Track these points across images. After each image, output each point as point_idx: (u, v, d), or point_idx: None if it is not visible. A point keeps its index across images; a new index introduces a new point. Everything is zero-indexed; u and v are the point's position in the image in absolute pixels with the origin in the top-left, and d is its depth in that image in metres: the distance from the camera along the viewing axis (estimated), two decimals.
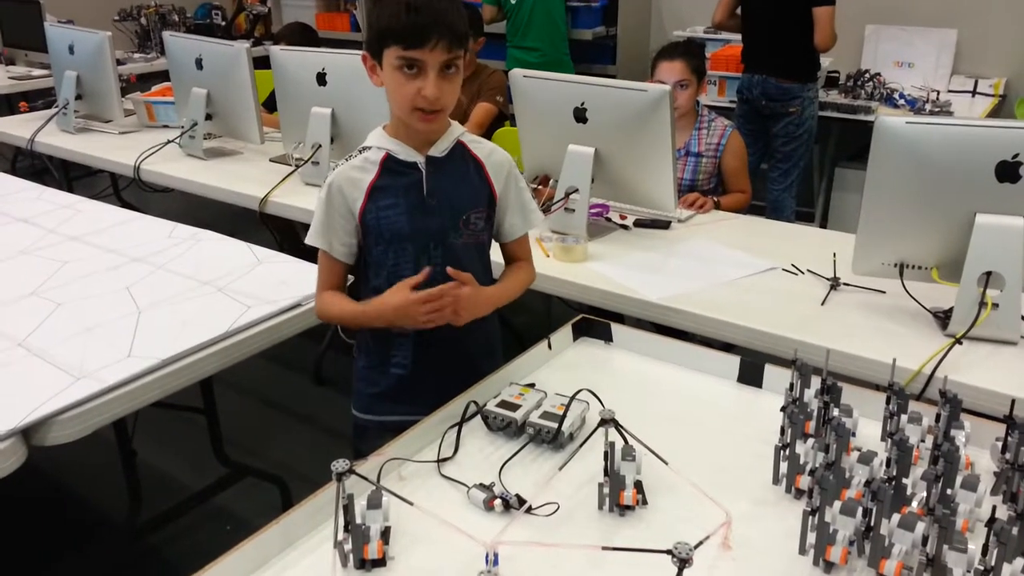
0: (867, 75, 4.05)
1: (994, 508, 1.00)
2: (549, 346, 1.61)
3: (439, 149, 1.49)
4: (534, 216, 1.61)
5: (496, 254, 1.62)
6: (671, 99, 2.02)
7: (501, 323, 1.69)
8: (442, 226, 1.49)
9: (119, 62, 3.93)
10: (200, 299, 1.83)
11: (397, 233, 1.48)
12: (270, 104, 3.21)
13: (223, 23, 5.52)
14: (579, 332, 1.68)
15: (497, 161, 1.54)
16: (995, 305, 1.59)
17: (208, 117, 3.01)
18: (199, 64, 2.96)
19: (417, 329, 1.49)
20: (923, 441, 1.24)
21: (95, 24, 3.50)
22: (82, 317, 1.74)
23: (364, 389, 1.62)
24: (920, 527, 1.00)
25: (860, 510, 1.03)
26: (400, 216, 1.47)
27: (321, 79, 2.60)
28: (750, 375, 1.49)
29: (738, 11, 3.73)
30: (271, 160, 2.99)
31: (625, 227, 2.31)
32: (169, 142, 3.08)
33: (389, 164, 1.48)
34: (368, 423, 1.63)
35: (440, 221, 1.48)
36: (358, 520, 1.06)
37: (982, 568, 0.96)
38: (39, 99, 4.03)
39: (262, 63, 2.90)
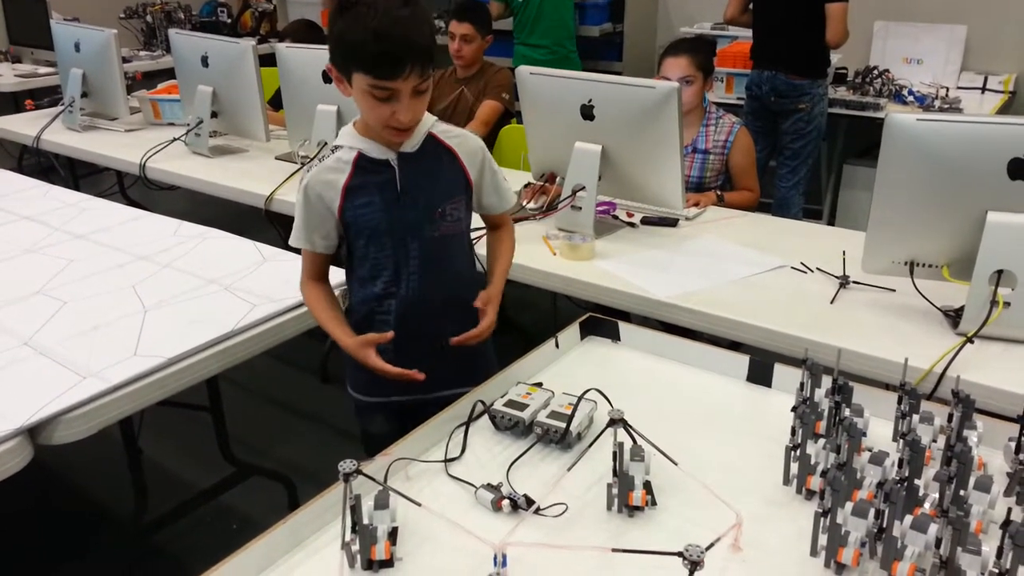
0: (876, 72, 4.02)
1: (1009, 510, 0.99)
2: (556, 345, 1.60)
3: (410, 145, 1.49)
4: (509, 195, 1.64)
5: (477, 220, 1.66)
6: (679, 96, 2.01)
7: (507, 321, 1.68)
8: (417, 220, 1.50)
9: (125, 60, 3.93)
10: (206, 297, 1.82)
11: (374, 229, 1.50)
12: (276, 102, 3.20)
13: (229, 20, 5.51)
14: (586, 331, 1.67)
15: (470, 149, 1.55)
16: (1007, 303, 1.57)
17: (214, 115, 3.00)
18: (205, 62, 2.96)
19: (397, 313, 1.56)
20: (935, 441, 1.23)
21: (101, 22, 3.50)
22: (88, 316, 1.74)
23: (356, 371, 1.62)
24: (933, 529, 0.99)
25: (872, 511, 1.02)
26: (376, 213, 1.49)
27: (327, 77, 2.59)
28: (759, 374, 1.48)
29: (750, 7, 3.72)
30: (277, 158, 2.98)
31: (632, 225, 2.30)
32: (175, 140, 3.08)
33: (362, 163, 1.48)
34: (367, 404, 1.68)
35: (415, 215, 1.50)
36: (365, 520, 1.06)
37: (997, 571, 0.95)
38: (45, 97, 4.02)
39: (268, 60, 2.89)
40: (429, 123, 1.51)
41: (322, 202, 1.50)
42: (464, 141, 1.55)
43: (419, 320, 1.56)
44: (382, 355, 1.51)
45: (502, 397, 1.37)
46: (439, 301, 1.57)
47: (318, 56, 2.62)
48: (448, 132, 1.54)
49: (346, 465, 1.04)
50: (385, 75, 1.32)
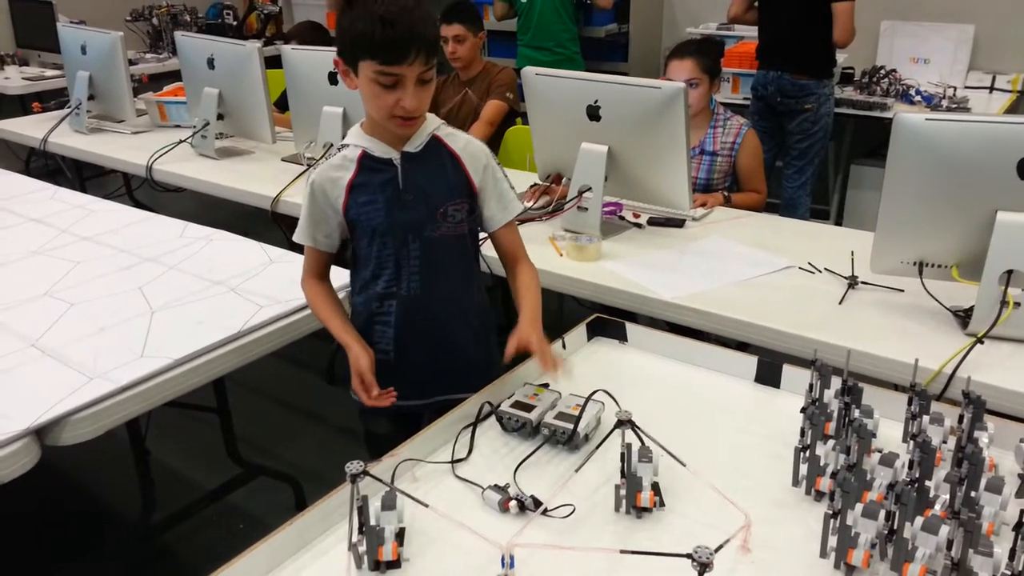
0: (883, 71, 4.01)
1: (1021, 511, 0.98)
2: (563, 346, 1.59)
3: (414, 144, 1.50)
4: (513, 205, 1.59)
5: (488, 247, 1.65)
6: (685, 96, 2.00)
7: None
8: (418, 219, 1.51)
9: (131, 62, 3.94)
10: (212, 299, 1.82)
11: (376, 228, 1.51)
12: (282, 103, 3.21)
13: (235, 23, 5.53)
14: (593, 332, 1.67)
15: (472, 153, 1.54)
16: (1017, 304, 1.56)
17: (220, 117, 3.01)
18: (211, 64, 2.96)
19: (398, 314, 1.56)
20: (945, 442, 1.22)
21: (107, 24, 3.50)
22: (95, 317, 1.74)
23: None
24: (944, 530, 0.98)
25: (882, 513, 1.02)
26: (378, 211, 1.50)
27: (332, 78, 2.59)
28: (768, 375, 1.47)
29: (754, 4, 3.71)
30: (283, 159, 2.98)
31: (639, 226, 2.29)
32: (181, 142, 3.08)
33: (366, 161, 1.50)
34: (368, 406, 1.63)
35: (416, 214, 1.50)
36: (372, 522, 1.05)
37: (1009, 573, 0.94)
38: (52, 99, 4.04)
39: (274, 62, 2.90)
40: (434, 125, 1.52)
41: (327, 199, 1.51)
42: (468, 146, 1.54)
43: (420, 322, 1.56)
44: (380, 357, 1.51)
45: (509, 398, 1.37)
46: (440, 303, 1.57)
47: (324, 58, 2.63)
48: (452, 136, 1.54)
49: (353, 466, 1.04)
50: (391, 60, 1.33)
